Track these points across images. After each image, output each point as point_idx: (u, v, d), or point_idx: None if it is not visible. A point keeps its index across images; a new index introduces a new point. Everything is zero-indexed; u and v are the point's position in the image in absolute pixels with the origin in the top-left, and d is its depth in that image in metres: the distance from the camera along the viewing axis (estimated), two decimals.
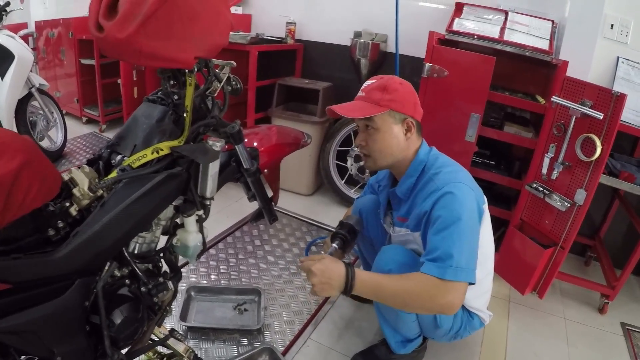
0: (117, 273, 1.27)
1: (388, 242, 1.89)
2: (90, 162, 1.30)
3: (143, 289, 1.32)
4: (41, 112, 4.01)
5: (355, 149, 3.41)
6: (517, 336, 2.32)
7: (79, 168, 1.20)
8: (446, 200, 1.50)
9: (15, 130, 3.65)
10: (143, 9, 0.95)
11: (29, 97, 3.82)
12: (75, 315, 1.14)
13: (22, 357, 1.12)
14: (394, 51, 3.19)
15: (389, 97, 1.60)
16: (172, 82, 1.29)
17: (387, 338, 1.89)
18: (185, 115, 1.23)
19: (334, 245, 1.87)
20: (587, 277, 2.74)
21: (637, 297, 2.81)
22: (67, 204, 1.13)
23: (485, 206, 1.67)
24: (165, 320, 1.73)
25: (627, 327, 2.49)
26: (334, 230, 1.97)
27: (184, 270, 1.51)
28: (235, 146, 1.42)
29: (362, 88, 1.68)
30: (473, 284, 1.44)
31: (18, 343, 1.05)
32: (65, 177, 1.16)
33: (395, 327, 1.83)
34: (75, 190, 1.14)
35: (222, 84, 1.35)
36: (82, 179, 1.15)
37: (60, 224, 1.11)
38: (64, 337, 1.13)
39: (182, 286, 2.29)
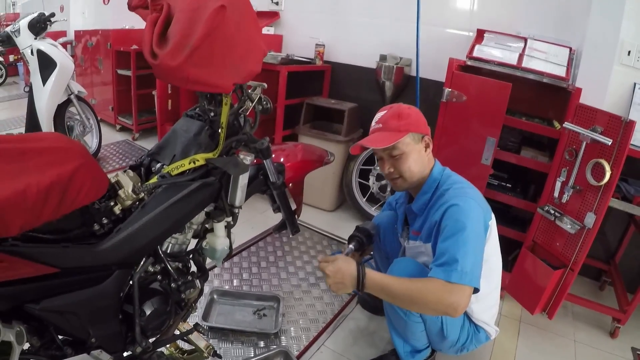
0: (151, 268, 1.42)
1: (402, 254, 2.00)
2: (132, 168, 1.45)
3: (173, 285, 1.46)
4: (78, 117, 4.21)
5: (377, 168, 3.53)
6: (525, 355, 2.36)
7: (124, 172, 1.36)
8: (453, 211, 1.62)
9: None
10: (191, 40, 1.09)
11: (67, 102, 4.03)
12: (111, 302, 1.28)
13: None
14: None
15: (405, 122, 1.76)
16: (209, 100, 1.43)
17: (397, 347, 1.98)
18: (220, 131, 1.37)
19: (350, 246, 2.02)
20: (601, 301, 2.75)
21: None
22: (112, 204, 1.28)
23: (492, 222, 1.77)
24: (189, 318, 1.85)
25: (638, 352, 2.49)
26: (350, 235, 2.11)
27: (209, 274, 1.65)
28: (264, 161, 1.57)
29: (376, 120, 1.83)
30: (478, 290, 1.54)
31: (60, 322, 1.19)
32: (112, 179, 1.31)
33: (404, 337, 1.92)
34: (120, 192, 1.29)
35: (254, 103, 1.49)
36: (127, 182, 1.30)
37: (105, 221, 1.25)
38: (100, 321, 1.27)
39: (206, 289, 2.42)
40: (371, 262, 2.44)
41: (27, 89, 3.96)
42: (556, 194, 2.39)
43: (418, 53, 3.18)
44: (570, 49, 2.88)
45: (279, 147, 1.98)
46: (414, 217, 1.90)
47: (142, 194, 1.31)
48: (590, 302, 2.62)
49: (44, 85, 3.74)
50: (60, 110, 3.97)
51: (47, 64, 3.72)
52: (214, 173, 1.39)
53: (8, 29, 3.79)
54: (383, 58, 3.63)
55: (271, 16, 4.42)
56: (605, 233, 3.07)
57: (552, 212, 2.39)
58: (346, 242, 2.13)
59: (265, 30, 4.36)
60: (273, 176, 1.62)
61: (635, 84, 2.62)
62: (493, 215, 1.79)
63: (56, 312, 1.16)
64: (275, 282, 2.71)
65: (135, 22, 5.39)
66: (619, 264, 3.03)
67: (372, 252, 2.35)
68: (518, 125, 2.67)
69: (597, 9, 2.64)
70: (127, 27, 5.63)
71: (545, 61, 2.77)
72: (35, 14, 3.76)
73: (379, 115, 1.83)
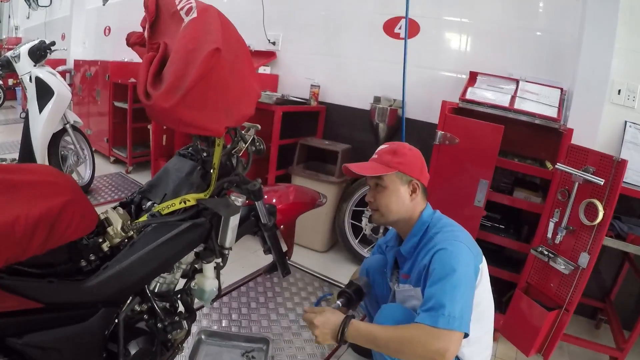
0: (138, 308, 1.40)
1: (392, 298, 1.96)
2: (123, 204, 1.45)
3: (159, 325, 1.43)
4: (72, 147, 4.21)
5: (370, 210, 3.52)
6: None
7: (114, 209, 1.35)
8: (442, 255, 1.59)
9: (46, 162, 3.86)
10: (185, 82, 1.10)
11: (62, 132, 4.03)
12: (95, 340, 1.25)
13: None
14: (410, 117, 3.32)
15: (398, 160, 1.76)
16: (202, 140, 1.44)
17: None
18: (212, 171, 1.38)
19: (338, 302, 1.97)
20: (597, 339, 2.72)
21: None
22: (100, 240, 1.27)
23: (483, 265, 1.73)
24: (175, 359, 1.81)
25: None
26: (342, 287, 2.06)
27: (197, 314, 1.63)
28: (255, 202, 1.56)
29: (376, 151, 1.85)
30: (467, 334, 1.50)
31: (42, 358, 1.15)
32: (102, 216, 1.31)
33: None
34: (109, 229, 1.28)
35: (247, 144, 1.50)
36: (117, 220, 1.30)
37: (92, 257, 1.24)
38: (83, 359, 1.24)
39: (194, 329, 2.37)
40: (362, 306, 2.41)
41: (23, 114, 3.96)
42: (549, 235, 2.39)
43: (404, 94, 3.23)
44: (562, 89, 2.93)
45: (271, 188, 1.98)
46: (404, 260, 1.88)
47: (131, 232, 1.30)
48: (586, 341, 2.59)
49: (40, 113, 3.74)
50: (55, 139, 3.96)
51: (44, 92, 3.73)
52: (205, 214, 1.39)
53: (8, 54, 3.82)
54: (377, 100, 3.67)
55: (268, 56, 4.50)
56: (599, 271, 3.06)
57: (546, 253, 2.39)
58: (336, 295, 2.09)
59: (262, 70, 4.42)
60: (264, 218, 1.61)
61: (625, 122, 2.68)
62: (484, 259, 1.76)
63: (38, 348, 1.13)
64: (265, 323, 2.66)
65: (135, 55, 5.44)
66: (615, 302, 3.02)
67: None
68: (511, 167, 2.69)
69: (587, 49, 2.69)
70: (126, 60, 5.69)
71: (537, 102, 2.81)
72: (36, 41, 3.80)
73: (380, 147, 1.85)
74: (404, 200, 1.78)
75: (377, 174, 1.75)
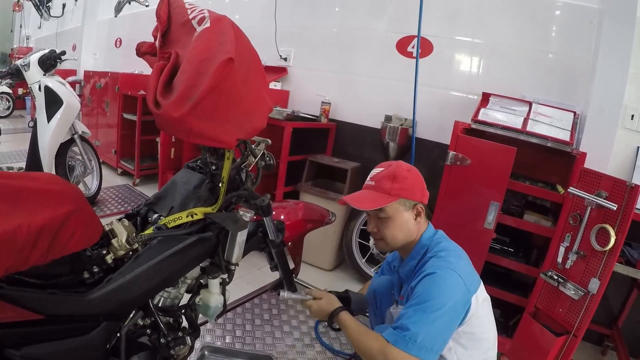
0: (141, 322, 1.37)
1: (389, 319, 1.89)
2: (128, 216, 1.43)
3: (162, 340, 1.40)
4: (80, 158, 4.20)
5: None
6: None
7: (120, 221, 1.32)
8: (427, 280, 1.53)
9: (53, 172, 3.84)
10: (196, 92, 1.08)
11: (70, 142, 4.03)
12: (96, 354, 1.22)
13: None
14: (421, 137, 3.30)
15: (399, 185, 1.66)
16: (211, 153, 1.42)
17: None
18: (221, 185, 1.35)
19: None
20: None
21: None
22: (104, 252, 1.24)
23: (478, 295, 1.63)
24: None
25: None
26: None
27: (200, 330, 1.60)
28: (264, 218, 1.53)
29: (370, 176, 1.75)
30: None
31: None
32: (107, 227, 1.28)
33: None
34: (114, 241, 1.26)
35: (257, 159, 1.48)
36: (122, 232, 1.27)
37: (95, 269, 1.22)
38: None
39: (197, 344, 2.32)
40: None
41: (31, 123, 3.96)
42: (559, 259, 2.35)
43: (415, 113, 3.21)
44: (575, 113, 2.90)
45: (279, 204, 1.95)
46: (403, 281, 1.83)
47: (137, 245, 1.28)
48: None
49: (48, 122, 3.73)
50: (63, 149, 3.96)
51: (53, 101, 3.73)
52: (212, 228, 1.36)
53: (18, 62, 3.81)
54: (388, 119, 3.65)
55: (279, 72, 4.51)
56: (607, 297, 3.02)
57: (556, 277, 2.34)
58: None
59: (273, 86, 4.43)
60: (272, 234, 1.58)
61: (638, 147, 2.66)
62: (482, 287, 1.67)
63: None
64: (269, 341, 2.62)
65: (145, 67, 5.50)
66: (622, 329, 2.97)
67: (367, 313, 2.26)
68: (522, 190, 2.65)
69: (602, 73, 2.68)
70: (136, 72, 5.72)
71: (550, 125, 2.78)
72: (47, 51, 3.80)
73: (375, 171, 1.75)
74: (409, 226, 1.70)
75: (379, 207, 1.65)
